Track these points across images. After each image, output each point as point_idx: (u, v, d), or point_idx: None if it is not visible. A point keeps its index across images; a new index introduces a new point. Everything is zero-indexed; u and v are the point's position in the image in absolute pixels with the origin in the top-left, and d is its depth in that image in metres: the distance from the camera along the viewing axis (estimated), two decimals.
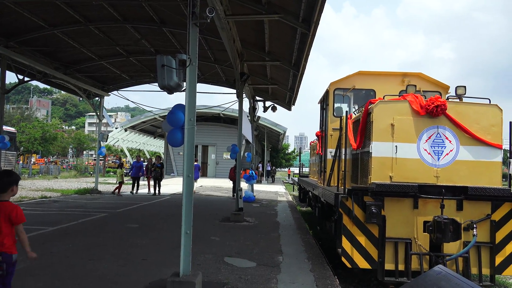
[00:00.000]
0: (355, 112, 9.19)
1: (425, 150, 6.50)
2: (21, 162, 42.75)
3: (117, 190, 17.97)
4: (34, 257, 3.86)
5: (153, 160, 19.97)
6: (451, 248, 6.14)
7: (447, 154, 6.49)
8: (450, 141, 6.48)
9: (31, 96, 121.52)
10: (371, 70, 9.60)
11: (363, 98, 9.39)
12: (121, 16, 11.75)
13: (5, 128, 16.74)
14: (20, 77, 14.44)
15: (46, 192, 18.16)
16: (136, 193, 18.63)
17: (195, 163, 23.58)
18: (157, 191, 18.40)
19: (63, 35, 12.96)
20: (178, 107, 5.17)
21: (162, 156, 37.57)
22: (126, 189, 19.99)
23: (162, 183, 18.93)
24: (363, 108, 7.40)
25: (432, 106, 6.35)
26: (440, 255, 6.08)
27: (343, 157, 7.40)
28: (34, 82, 16.12)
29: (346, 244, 6.24)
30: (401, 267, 6.12)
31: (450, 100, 6.96)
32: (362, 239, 6.23)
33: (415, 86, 8.10)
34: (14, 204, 3.79)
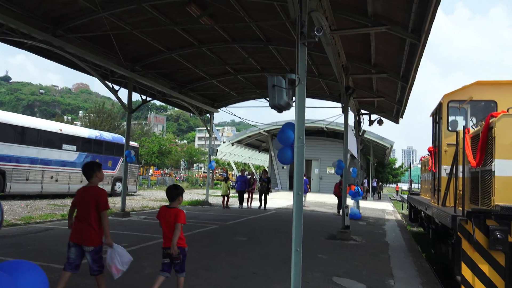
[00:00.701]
0: (473, 126, 8.49)
1: None
2: (140, 173, 47.14)
3: (225, 203, 18.39)
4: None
5: (256, 174, 20.14)
6: None
7: None
8: None
9: (150, 113, 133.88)
10: (492, 80, 8.80)
11: (482, 111, 8.64)
12: (230, 37, 12.44)
13: (130, 143, 18.67)
14: (143, 97, 16.02)
15: (163, 202, 19.75)
16: (243, 207, 18.87)
17: (304, 177, 23.55)
18: (263, 205, 18.35)
19: (179, 58, 14.13)
20: (288, 126, 5.29)
21: (267, 169, 38.34)
22: (234, 202, 20.74)
23: (268, 197, 18.93)
24: (483, 122, 6.80)
25: None
26: None
27: (460, 175, 6.85)
28: (153, 100, 17.75)
29: (466, 271, 5.72)
30: None
31: None
32: (485, 268, 5.66)
33: None
34: (179, 209, 4.91)
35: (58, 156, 19.38)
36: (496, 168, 6.03)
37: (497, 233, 5.51)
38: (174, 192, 4.95)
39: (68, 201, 18.07)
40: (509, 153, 5.98)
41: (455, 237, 5.99)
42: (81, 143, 20.74)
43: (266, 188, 18.31)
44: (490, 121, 6.43)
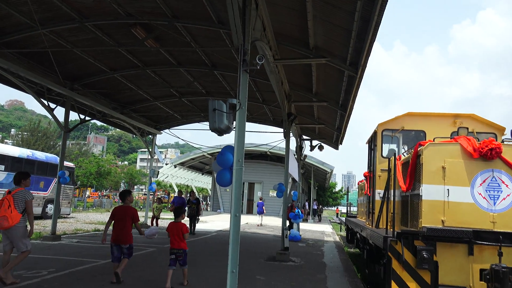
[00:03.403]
0: (404, 154, 9.05)
1: (480, 194, 6.27)
2: (76, 195, 44.89)
3: (153, 223, 17.61)
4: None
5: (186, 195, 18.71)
6: None
7: (504, 198, 6.22)
8: (507, 185, 6.22)
9: (89, 133, 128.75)
10: (421, 112, 9.47)
11: (412, 140, 9.23)
12: (176, 61, 12.46)
13: (65, 163, 17.81)
14: (82, 116, 15.48)
15: (99, 225, 18.87)
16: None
17: (261, 201, 23.88)
18: (192, 229, 16.61)
19: (122, 78, 13.89)
20: (227, 149, 5.38)
21: (210, 192, 37.98)
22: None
23: (206, 218, 17.55)
24: (412, 150, 7.30)
25: (486, 149, 6.16)
26: None
27: (392, 198, 7.26)
28: (93, 120, 17.13)
29: None
30: None
31: (505, 143, 6.72)
32: (413, 285, 5.99)
33: (467, 128, 7.91)
34: (183, 223, 7.04)
35: None
36: (423, 193, 6.46)
37: (424, 253, 5.89)
38: (180, 211, 7.30)
39: None
40: (434, 178, 6.43)
41: (386, 257, 6.30)
42: (11, 162, 19.46)
43: (195, 210, 16.70)
44: (418, 149, 6.92)
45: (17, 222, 6.43)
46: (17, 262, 6.68)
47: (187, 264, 7.07)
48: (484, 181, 6.28)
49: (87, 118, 15.88)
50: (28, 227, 6.85)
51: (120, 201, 7.52)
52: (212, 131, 5.33)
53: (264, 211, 23.70)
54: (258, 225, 23.30)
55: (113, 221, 7.21)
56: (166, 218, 24.45)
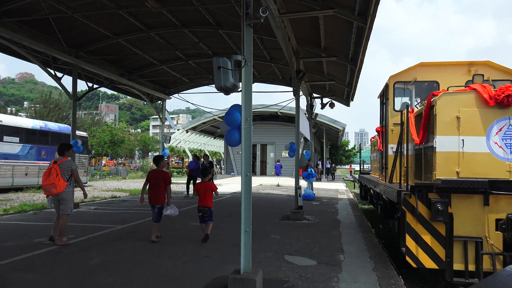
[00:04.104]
0: (417, 106, 8.83)
1: (496, 143, 6.11)
2: (93, 164, 45.64)
3: None
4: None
5: (201, 159, 17.95)
6: None
7: None
8: None
9: (100, 102, 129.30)
10: (434, 61, 9.15)
11: (425, 91, 8.98)
12: (179, 22, 12.14)
13: (77, 133, 17.95)
14: (90, 84, 15.39)
15: (115, 192, 19.24)
16: (189, 195, 16.83)
17: (278, 162, 25.03)
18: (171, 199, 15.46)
19: (126, 43, 13.64)
20: (235, 107, 5.26)
21: (223, 155, 38.21)
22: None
23: (220, 181, 17.33)
24: (425, 101, 7.09)
25: (503, 96, 5.94)
26: None
27: (405, 152, 7.13)
28: (102, 89, 17.05)
29: (410, 243, 6.01)
30: (471, 267, 5.79)
31: None
32: (427, 238, 5.97)
33: (483, 75, 7.63)
34: (212, 182, 8.03)
35: None
36: (437, 144, 6.32)
37: (438, 205, 5.81)
38: (207, 172, 7.98)
39: (12, 195, 17.21)
40: (449, 129, 6.27)
41: (400, 211, 6.25)
42: (25, 134, 19.71)
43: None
44: (432, 99, 6.72)
45: (64, 188, 7.24)
46: (65, 225, 7.52)
47: (213, 220, 7.96)
48: (500, 130, 6.11)
49: (95, 86, 15.77)
50: (76, 193, 7.75)
51: (154, 166, 8.30)
52: (218, 90, 5.20)
53: (282, 173, 25.02)
54: (277, 185, 24.48)
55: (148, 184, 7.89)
56: (179, 182, 24.75)
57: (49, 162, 8.49)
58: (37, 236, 8.19)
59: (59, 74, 13.40)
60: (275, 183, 25.20)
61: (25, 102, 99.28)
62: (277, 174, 24.92)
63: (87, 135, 28.33)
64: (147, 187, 7.90)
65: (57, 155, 7.61)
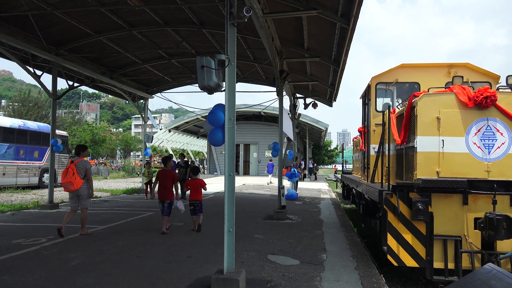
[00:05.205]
0: (398, 107, 8.94)
1: (475, 143, 6.23)
2: None
3: (148, 193, 16.09)
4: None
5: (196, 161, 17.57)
6: (505, 246, 5.85)
7: (498, 147, 6.20)
8: (501, 134, 6.18)
9: (81, 101, 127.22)
10: (415, 63, 9.29)
11: (407, 92, 9.11)
12: (162, 20, 12.04)
13: (57, 132, 17.63)
14: (70, 83, 15.12)
15: (96, 192, 18.94)
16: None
17: (270, 162, 25.53)
18: (183, 193, 14.22)
19: (108, 41, 13.46)
20: (218, 107, 5.24)
21: (206, 155, 38.06)
22: None
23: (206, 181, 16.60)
24: (406, 102, 7.19)
25: (481, 97, 6.06)
26: (493, 253, 5.80)
27: (386, 152, 7.22)
28: (83, 88, 16.83)
29: (391, 241, 6.09)
30: (450, 265, 5.90)
31: (500, 90, 6.62)
32: (408, 237, 6.06)
33: (462, 77, 7.75)
34: (201, 179, 8.96)
35: None
36: (418, 144, 6.41)
37: (419, 204, 5.91)
38: (197, 170, 9.15)
39: None
40: (429, 130, 6.37)
41: (381, 211, 6.33)
42: (2, 133, 19.22)
43: (183, 174, 14.97)
44: (413, 100, 6.81)
45: (81, 185, 8.03)
46: (85, 218, 8.48)
47: (203, 212, 8.93)
48: (479, 130, 6.23)
49: (76, 84, 15.51)
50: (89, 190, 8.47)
51: (163, 165, 9.11)
52: (201, 89, 5.16)
53: (274, 171, 25.44)
54: (268, 183, 25.77)
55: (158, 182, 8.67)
56: None
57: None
58: (15, 237, 8.02)
59: (38, 72, 13.15)
60: (265, 182, 25.94)
61: (3, 101, 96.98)
62: (269, 172, 25.90)
63: (67, 135, 27.84)
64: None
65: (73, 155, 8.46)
